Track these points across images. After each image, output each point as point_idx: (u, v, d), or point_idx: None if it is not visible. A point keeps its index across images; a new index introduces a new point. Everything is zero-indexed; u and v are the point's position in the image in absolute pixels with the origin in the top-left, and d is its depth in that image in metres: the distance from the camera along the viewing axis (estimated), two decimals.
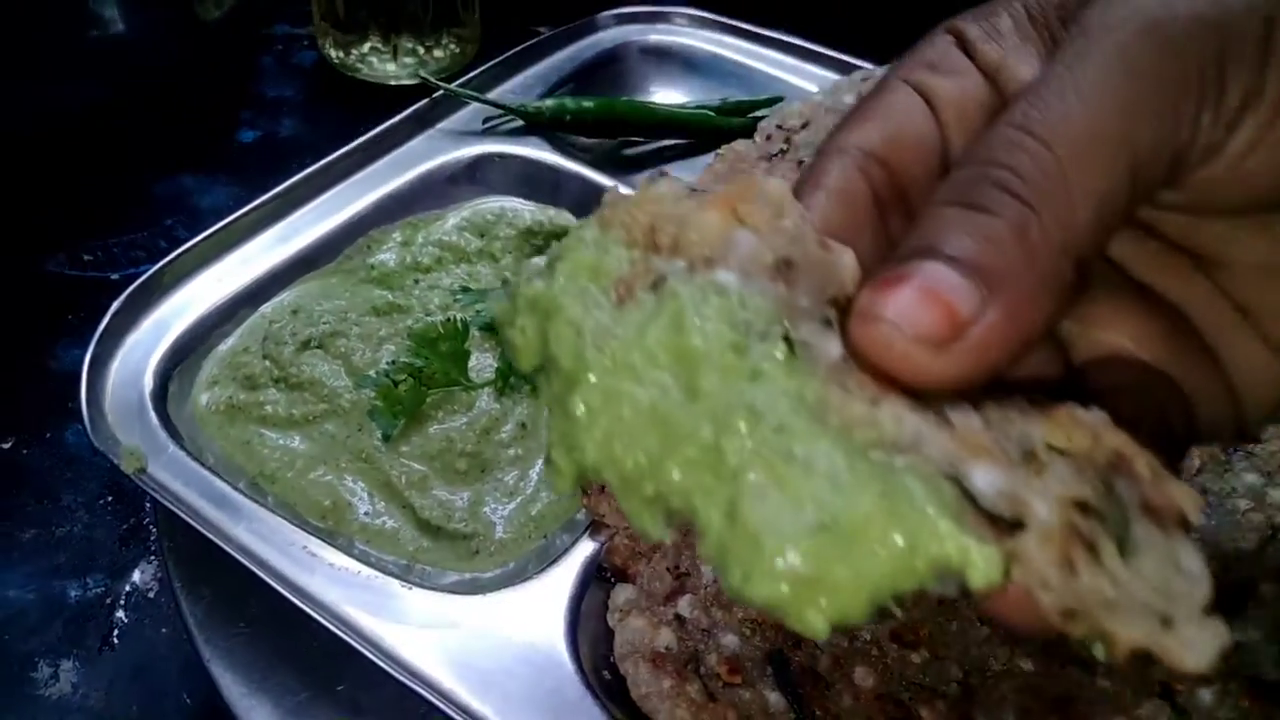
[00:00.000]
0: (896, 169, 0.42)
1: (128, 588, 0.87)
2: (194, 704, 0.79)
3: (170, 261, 0.85)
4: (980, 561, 0.32)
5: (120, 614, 0.85)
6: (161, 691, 0.80)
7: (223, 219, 0.90)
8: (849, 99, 1.14)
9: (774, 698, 0.66)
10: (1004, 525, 0.33)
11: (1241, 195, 0.39)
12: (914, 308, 0.35)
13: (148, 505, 0.89)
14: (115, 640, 0.83)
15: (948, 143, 0.43)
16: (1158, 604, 0.32)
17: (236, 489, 0.72)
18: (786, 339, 0.36)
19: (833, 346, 0.37)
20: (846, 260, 0.39)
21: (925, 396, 0.36)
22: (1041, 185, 0.35)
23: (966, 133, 0.43)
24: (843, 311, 0.38)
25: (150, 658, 0.82)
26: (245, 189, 1.18)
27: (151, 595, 0.86)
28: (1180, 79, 0.36)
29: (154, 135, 1.35)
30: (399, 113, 1.05)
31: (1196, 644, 0.31)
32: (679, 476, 0.35)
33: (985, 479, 0.34)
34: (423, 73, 1.12)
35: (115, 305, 0.82)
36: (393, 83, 1.35)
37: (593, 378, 0.36)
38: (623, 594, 0.69)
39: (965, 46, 0.43)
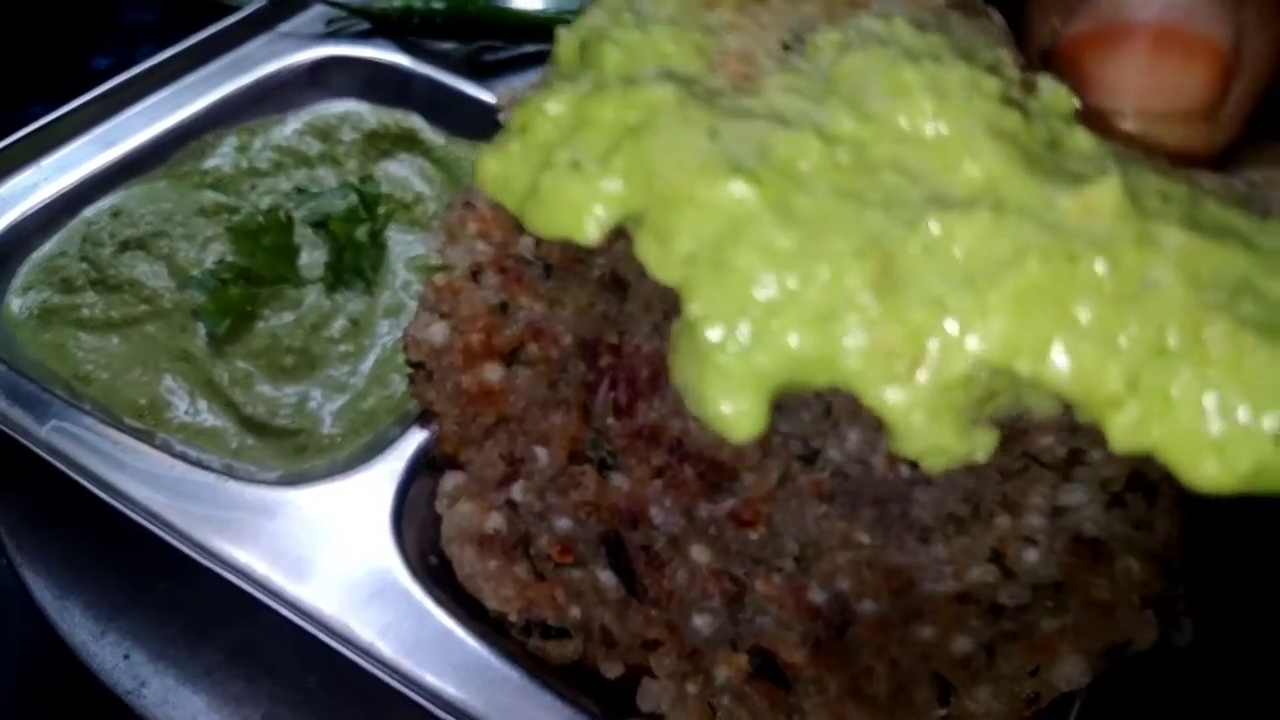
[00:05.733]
0: None
1: None
2: (35, 632, 0.76)
3: None
4: None
5: None
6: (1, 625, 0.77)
7: None
8: None
9: (605, 576, 0.66)
10: None
11: None
12: (1162, 74, 0.24)
13: None
14: None
15: None
16: None
17: (50, 392, 0.69)
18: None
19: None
20: (998, 18, 0.29)
21: None
22: None
23: None
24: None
25: None
26: None
27: None
28: None
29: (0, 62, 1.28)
30: None
31: None
32: None
33: None
34: None
35: None
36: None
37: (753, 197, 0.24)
38: (451, 480, 0.68)
39: None
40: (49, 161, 0.85)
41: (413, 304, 0.78)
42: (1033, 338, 0.23)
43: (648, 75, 0.25)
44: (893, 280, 0.23)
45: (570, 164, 0.25)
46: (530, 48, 1.13)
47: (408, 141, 0.95)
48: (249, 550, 0.63)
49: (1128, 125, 0.25)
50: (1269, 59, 0.25)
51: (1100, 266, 0.23)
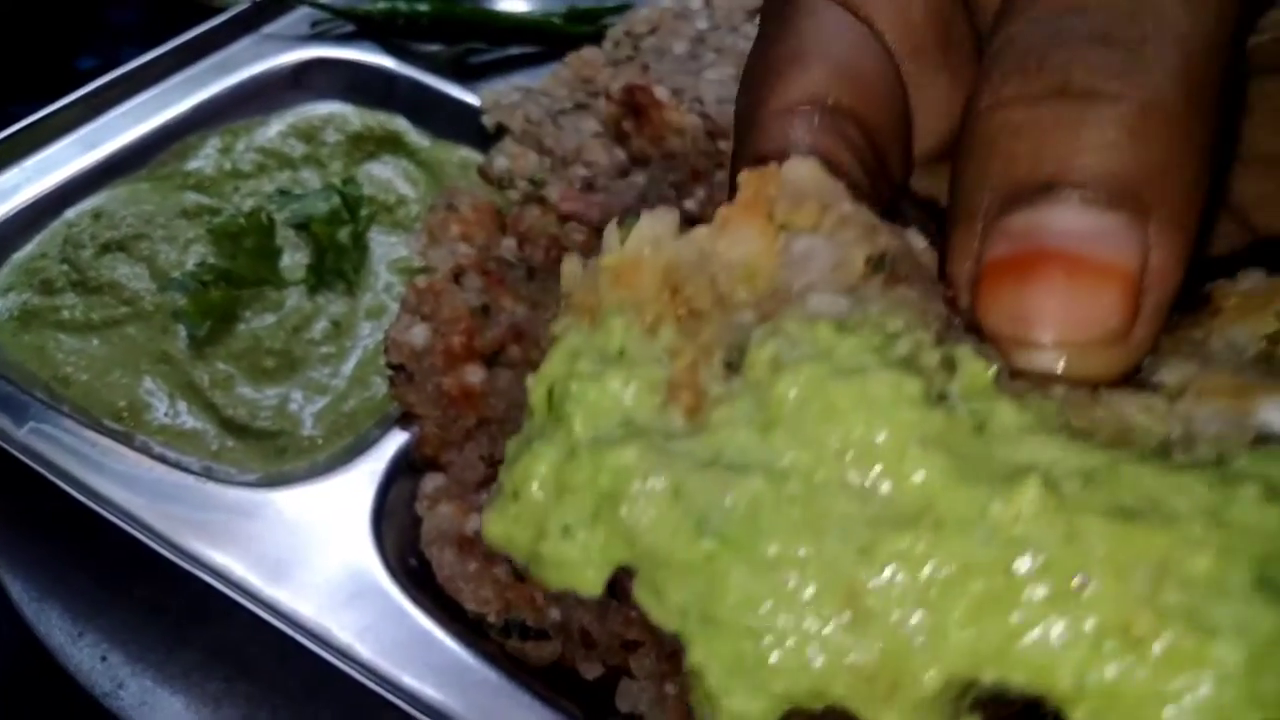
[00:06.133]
0: (868, 124, 0.31)
1: None
2: (13, 634, 0.76)
3: None
4: None
5: None
6: None
7: None
8: (695, 4, 1.13)
9: None
10: None
11: None
12: (1077, 304, 0.25)
13: None
14: None
15: (906, 86, 0.32)
16: None
17: (29, 394, 0.69)
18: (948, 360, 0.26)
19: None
20: (919, 242, 0.29)
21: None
22: (1145, 25, 0.25)
23: (927, 68, 0.32)
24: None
25: None
26: None
27: None
28: None
29: None
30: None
31: None
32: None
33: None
34: None
35: None
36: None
37: (738, 561, 0.25)
38: (432, 482, 0.68)
39: None
40: (31, 162, 0.85)
41: (394, 306, 0.77)
42: (988, 650, 0.24)
43: (612, 436, 0.27)
44: (858, 612, 0.25)
45: (562, 531, 0.27)
46: (515, 50, 1.13)
47: (392, 144, 0.95)
48: (228, 552, 0.63)
49: (1048, 359, 0.26)
50: (1174, 272, 0.25)
51: (1035, 572, 0.24)
